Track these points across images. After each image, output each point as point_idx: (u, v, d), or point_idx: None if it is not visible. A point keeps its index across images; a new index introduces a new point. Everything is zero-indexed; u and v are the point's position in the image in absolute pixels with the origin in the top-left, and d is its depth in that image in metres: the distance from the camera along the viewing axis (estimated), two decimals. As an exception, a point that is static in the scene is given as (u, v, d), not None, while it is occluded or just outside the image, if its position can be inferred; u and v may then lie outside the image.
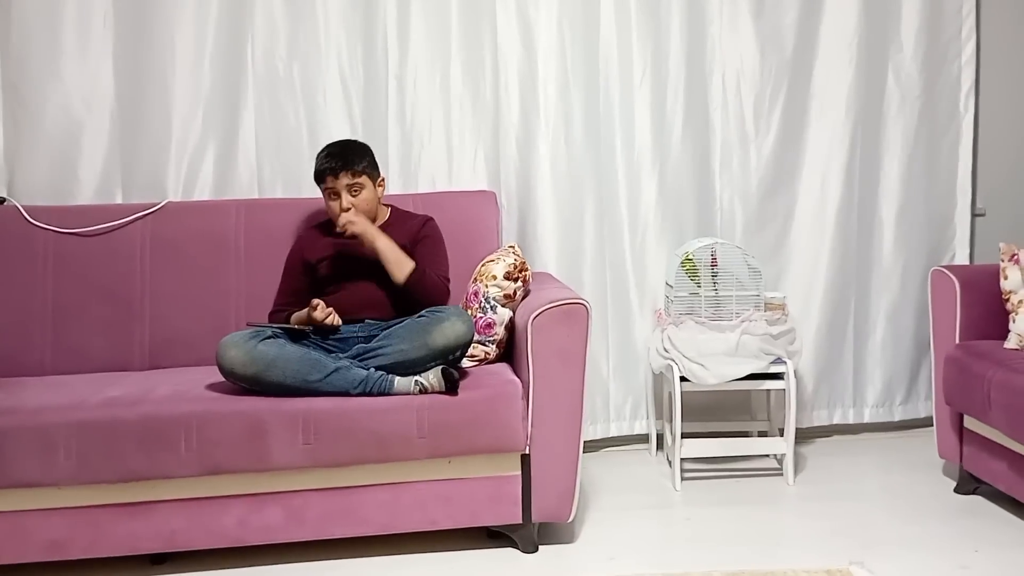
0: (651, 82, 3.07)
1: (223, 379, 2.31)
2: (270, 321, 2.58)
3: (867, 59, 3.14)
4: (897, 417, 3.27)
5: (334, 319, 2.43)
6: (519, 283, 2.56)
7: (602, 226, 3.09)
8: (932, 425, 2.82)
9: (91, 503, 2.18)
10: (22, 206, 2.72)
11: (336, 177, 2.51)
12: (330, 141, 2.67)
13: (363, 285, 2.52)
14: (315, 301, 2.42)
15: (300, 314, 2.50)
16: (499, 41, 2.98)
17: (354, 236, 2.49)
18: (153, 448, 2.16)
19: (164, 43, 2.85)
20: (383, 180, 2.63)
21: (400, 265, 2.48)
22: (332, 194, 2.54)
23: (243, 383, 2.28)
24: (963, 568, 2.21)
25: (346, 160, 2.52)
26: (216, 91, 2.89)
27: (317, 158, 2.58)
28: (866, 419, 3.25)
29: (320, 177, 2.55)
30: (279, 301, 2.63)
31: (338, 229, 2.51)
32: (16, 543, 2.16)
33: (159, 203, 2.78)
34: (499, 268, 2.56)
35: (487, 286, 2.55)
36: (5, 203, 2.77)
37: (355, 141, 2.65)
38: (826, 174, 3.16)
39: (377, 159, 2.63)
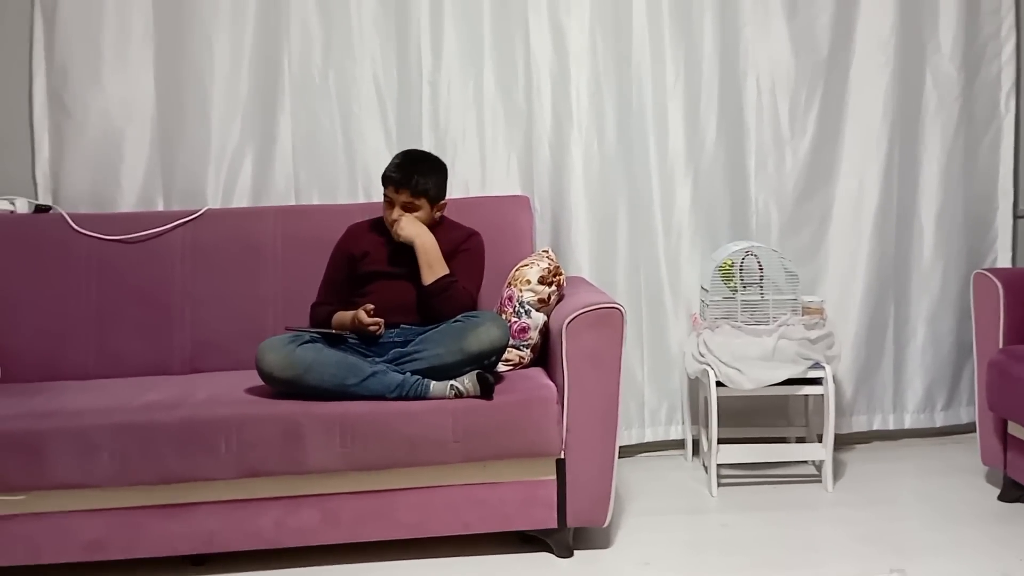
0: (684, 85, 3.06)
1: (261, 383, 2.33)
2: (312, 313, 2.61)
3: (904, 60, 3.10)
4: (938, 423, 3.21)
5: (380, 330, 2.43)
6: (553, 287, 2.56)
7: (636, 230, 3.08)
8: (975, 431, 2.77)
9: (131, 504, 2.21)
10: (67, 213, 2.78)
11: (396, 191, 2.52)
12: (407, 149, 2.67)
13: (401, 289, 2.53)
14: (368, 306, 2.42)
15: (344, 316, 2.50)
16: (531, 46, 2.99)
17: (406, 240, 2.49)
18: (192, 451, 2.19)
19: (202, 52, 2.90)
20: (444, 204, 2.62)
21: (432, 268, 2.48)
22: (388, 201, 2.55)
23: (281, 387, 2.30)
24: (1009, 577, 2.17)
25: (410, 180, 2.51)
26: (253, 99, 2.94)
27: (392, 161, 2.58)
28: (907, 425, 3.20)
29: (383, 182, 2.55)
30: (322, 293, 2.65)
31: (394, 237, 2.52)
32: (57, 543, 2.20)
33: (199, 210, 2.83)
34: (533, 272, 2.56)
35: (521, 290, 2.55)
36: (51, 211, 2.83)
37: (431, 161, 2.60)
38: (863, 176, 3.12)
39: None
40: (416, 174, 2.52)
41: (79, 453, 2.17)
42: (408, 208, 2.53)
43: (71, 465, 2.17)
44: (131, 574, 2.27)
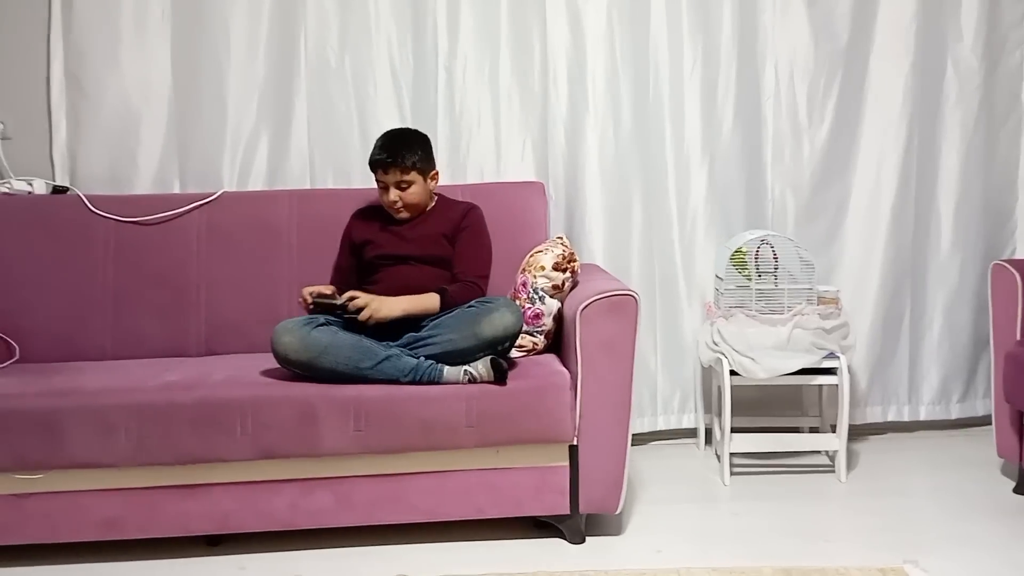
0: (701, 72, 3.04)
1: (276, 365, 2.34)
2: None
3: (924, 48, 3.06)
4: (954, 415, 3.19)
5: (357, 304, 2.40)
6: (567, 274, 2.55)
7: (651, 217, 3.07)
8: (990, 423, 2.75)
9: (147, 484, 2.23)
10: (84, 195, 2.79)
11: (386, 172, 2.54)
12: (386, 130, 2.67)
13: (408, 274, 2.53)
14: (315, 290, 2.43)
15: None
16: (548, 32, 2.97)
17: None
18: (208, 432, 2.21)
19: (219, 35, 2.91)
20: (436, 173, 2.63)
21: (427, 308, 2.44)
22: (382, 185, 2.56)
23: (296, 369, 2.31)
24: (1022, 569, 2.15)
25: (396, 156, 2.52)
26: (269, 82, 2.94)
27: (374, 146, 2.58)
28: (922, 416, 3.18)
29: (372, 167, 2.57)
30: (332, 278, 2.68)
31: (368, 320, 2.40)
32: (74, 521, 2.23)
33: (215, 193, 2.83)
34: (547, 259, 2.56)
35: (535, 277, 2.55)
36: (68, 192, 2.85)
37: (411, 134, 2.63)
38: (881, 165, 3.09)
39: (429, 149, 2.66)
40: (402, 150, 2.52)
41: (97, 432, 2.19)
42: (402, 186, 2.53)
43: (89, 444, 2.19)
44: (146, 552, 2.29)
